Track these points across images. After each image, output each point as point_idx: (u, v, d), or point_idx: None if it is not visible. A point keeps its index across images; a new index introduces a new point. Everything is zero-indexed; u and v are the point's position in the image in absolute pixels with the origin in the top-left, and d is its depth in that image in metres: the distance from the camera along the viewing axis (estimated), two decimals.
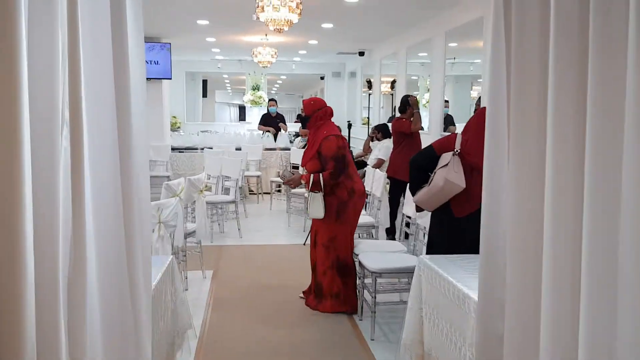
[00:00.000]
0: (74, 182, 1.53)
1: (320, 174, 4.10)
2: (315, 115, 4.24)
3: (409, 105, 6.49)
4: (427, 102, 8.93)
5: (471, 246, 3.10)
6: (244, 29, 8.42)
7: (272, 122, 10.68)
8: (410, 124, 6.32)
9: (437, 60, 7.21)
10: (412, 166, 3.37)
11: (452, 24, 6.65)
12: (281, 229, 7.33)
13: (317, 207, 4.12)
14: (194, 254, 5.03)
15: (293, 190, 7.72)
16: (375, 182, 5.40)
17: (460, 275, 2.52)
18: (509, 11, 1.81)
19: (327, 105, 4.35)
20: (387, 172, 6.14)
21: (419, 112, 6.41)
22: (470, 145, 3.10)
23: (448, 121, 7.10)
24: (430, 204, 3.21)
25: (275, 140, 10.14)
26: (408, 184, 3.51)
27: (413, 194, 3.33)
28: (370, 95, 9.91)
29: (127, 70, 1.85)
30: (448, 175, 3.05)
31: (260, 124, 10.78)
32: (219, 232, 6.90)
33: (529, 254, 1.76)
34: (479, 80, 11.39)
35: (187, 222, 4.89)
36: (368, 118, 9.67)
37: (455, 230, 3.19)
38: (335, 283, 4.17)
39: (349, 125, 6.79)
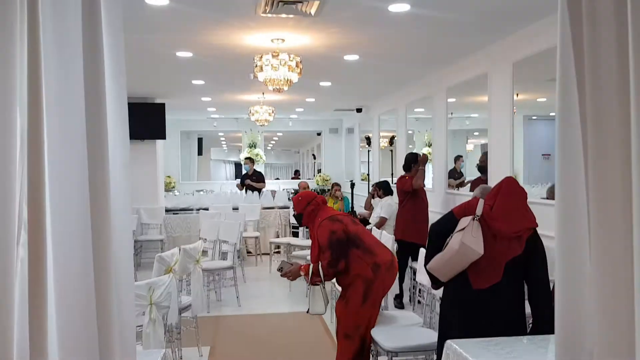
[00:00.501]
0: (33, 273, 1.22)
1: (320, 264, 3.78)
2: (307, 210, 3.98)
3: (414, 163, 6.26)
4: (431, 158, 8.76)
5: (492, 322, 2.83)
6: (241, 88, 8.28)
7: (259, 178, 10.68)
8: (412, 180, 6.10)
9: (439, 116, 7.04)
10: (431, 233, 3.10)
11: (454, 80, 6.51)
12: (282, 295, 6.93)
13: (317, 301, 3.81)
14: (190, 329, 4.64)
15: (295, 253, 7.37)
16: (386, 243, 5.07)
17: None
18: (578, 25, 1.55)
19: (316, 195, 4.09)
20: (394, 234, 5.83)
21: (423, 169, 6.18)
22: (497, 211, 2.84)
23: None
24: (444, 272, 2.89)
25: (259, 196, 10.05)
26: (424, 251, 3.19)
27: (427, 262, 3.02)
28: (369, 152, 9.72)
29: (104, 128, 1.58)
30: (464, 238, 2.76)
31: (240, 182, 10.71)
32: (216, 300, 6.50)
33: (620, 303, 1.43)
34: (475, 133, 11.35)
35: (182, 294, 4.53)
36: (368, 175, 9.45)
37: (472, 305, 2.86)
38: None
39: (352, 185, 6.53)
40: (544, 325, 2.72)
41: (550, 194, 4.73)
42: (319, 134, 14.38)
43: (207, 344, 4.87)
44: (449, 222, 2.96)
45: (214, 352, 4.76)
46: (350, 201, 9.59)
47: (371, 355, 3.81)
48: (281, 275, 3.99)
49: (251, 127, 12.11)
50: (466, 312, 2.88)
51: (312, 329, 5.39)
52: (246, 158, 11.10)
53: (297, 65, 5.03)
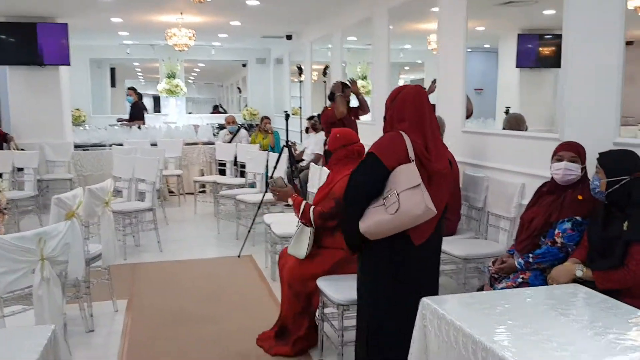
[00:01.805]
0: None
1: (312, 208, 3.23)
2: (340, 152, 3.33)
3: (340, 93, 5.71)
4: (362, 88, 8.23)
5: (430, 277, 2.56)
6: (156, 4, 7.27)
7: (139, 112, 10.09)
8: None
9: (380, 42, 6.43)
10: (357, 188, 2.40)
11: (394, 0, 5.89)
12: (209, 238, 6.33)
13: (300, 243, 3.25)
14: (102, 282, 3.98)
15: (223, 193, 6.74)
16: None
17: (489, 328, 1.73)
18: None
19: (357, 141, 3.39)
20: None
21: (341, 96, 5.62)
22: (433, 149, 2.40)
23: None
24: (383, 233, 2.35)
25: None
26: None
27: (352, 228, 2.39)
28: (301, 83, 9.05)
29: None
30: (428, 201, 2.27)
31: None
32: (134, 245, 5.81)
33: None
34: (405, 68, 10.92)
35: (91, 242, 3.84)
36: (300, 108, 8.82)
37: (414, 262, 2.43)
38: (304, 326, 3.32)
39: (287, 117, 5.91)
40: None
41: (508, 125, 4.34)
42: (244, 65, 13.45)
43: (123, 296, 4.24)
44: (379, 173, 2.36)
45: (132, 304, 4.14)
46: (279, 135, 8.98)
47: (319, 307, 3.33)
48: (269, 188, 3.52)
49: (169, 54, 11.03)
50: (407, 271, 2.44)
51: (244, 274, 4.86)
52: (129, 88, 10.26)
53: None
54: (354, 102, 6.14)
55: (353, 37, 8.19)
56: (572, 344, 1.65)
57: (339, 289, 2.98)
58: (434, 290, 2.55)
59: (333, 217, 3.16)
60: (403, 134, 2.36)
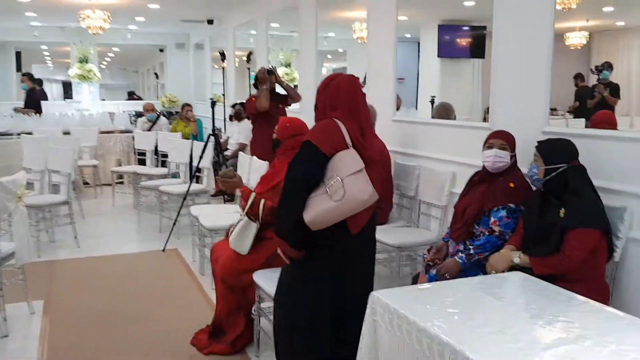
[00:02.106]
0: None
1: (262, 200, 3.08)
2: (289, 142, 3.20)
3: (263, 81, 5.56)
4: (285, 76, 8.11)
5: (367, 266, 2.55)
6: None
7: (35, 100, 9.71)
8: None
9: (307, 30, 6.34)
10: (298, 178, 2.29)
11: None
12: (130, 232, 6.03)
13: (244, 239, 3.10)
14: (15, 282, 3.67)
15: (144, 184, 6.43)
16: (254, 172, 4.44)
17: (443, 321, 1.71)
18: None
19: (306, 131, 3.25)
20: None
21: (264, 89, 5.46)
22: (368, 136, 2.40)
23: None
24: (326, 222, 2.28)
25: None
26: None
27: (295, 222, 2.28)
28: (224, 70, 8.79)
29: None
30: (371, 185, 2.26)
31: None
32: (49, 242, 5.43)
33: None
34: (328, 56, 10.91)
35: (1, 240, 3.52)
36: (223, 95, 8.57)
37: (350, 251, 2.40)
38: (241, 323, 3.19)
39: (213, 104, 5.69)
40: None
41: (437, 114, 4.40)
42: (162, 50, 12.93)
43: (39, 297, 3.94)
44: (317, 160, 2.28)
45: (50, 306, 3.85)
46: (202, 123, 8.69)
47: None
48: (217, 178, 3.33)
49: (81, 38, 10.38)
50: (345, 261, 2.41)
51: (170, 269, 4.65)
52: (23, 74, 9.67)
53: None
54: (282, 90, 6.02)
55: (276, 24, 8.05)
56: (526, 333, 1.66)
57: (276, 283, 2.89)
58: (369, 281, 2.55)
59: None
60: (337, 121, 2.32)
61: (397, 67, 4.62)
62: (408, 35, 6.32)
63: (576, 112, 4.57)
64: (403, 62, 5.02)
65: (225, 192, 6.57)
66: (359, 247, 2.44)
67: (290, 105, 5.80)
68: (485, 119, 4.95)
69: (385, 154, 4.10)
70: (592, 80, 4.82)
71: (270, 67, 5.73)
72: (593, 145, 2.73)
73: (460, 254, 2.84)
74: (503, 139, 2.92)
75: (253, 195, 3.10)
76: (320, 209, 2.24)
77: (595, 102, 4.45)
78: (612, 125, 3.49)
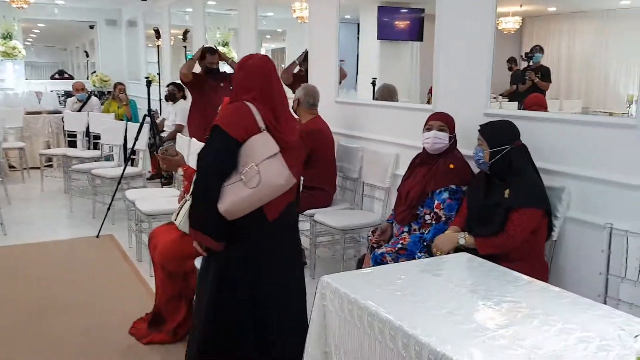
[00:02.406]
0: None
1: None
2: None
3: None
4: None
5: (288, 254, 2.44)
6: None
7: None
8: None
9: (247, 8, 6.19)
10: (211, 166, 2.21)
11: None
12: (62, 218, 5.75)
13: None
14: None
15: (75, 167, 6.13)
16: (194, 155, 4.29)
17: (394, 305, 1.70)
18: None
19: None
20: None
21: (192, 61, 5.41)
22: (282, 120, 2.30)
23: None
24: (246, 210, 2.22)
25: None
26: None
27: (211, 212, 2.19)
28: (159, 48, 8.47)
29: None
30: (288, 169, 2.20)
31: None
32: None
33: None
34: (267, 36, 10.75)
35: None
36: (159, 75, 8.26)
37: (266, 238, 2.33)
38: (182, 310, 3.08)
39: (149, 83, 5.45)
40: None
41: (380, 96, 4.40)
42: (92, 27, 12.30)
43: None
44: (229, 147, 2.20)
45: None
46: (136, 104, 8.37)
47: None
48: (158, 155, 3.11)
49: (3, 13, 9.72)
50: (262, 248, 2.33)
51: (106, 256, 4.46)
52: None
53: None
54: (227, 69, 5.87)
55: (212, 2, 7.81)
56: (476, 314, 1.67)
57: None
58: (291, 268, 2.46)
59: None
60: (249, 104, 2.24)
61: (339, 48, 4.57)
62: (348, 17, 6.28)
63: (511, 96, 4.70)
64: (343, 43, 4.98)
65: (163, 175, 6.39)
66: (277, 233, 2.36)
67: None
68: (427, 101, 5.02)
69: (326, 136, 4.07)
70: (524, 64, 4.95)
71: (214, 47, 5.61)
72: (531, 127, 2.79)
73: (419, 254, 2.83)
74: (442, 121, 2.95)
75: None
76: (235, 198, 2.16)
77: (526, 87, 4.58)
78: (543, 107, 3.60)
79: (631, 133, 2.32)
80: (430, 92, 4.35)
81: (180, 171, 3.06)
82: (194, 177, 2.28)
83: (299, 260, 2.58)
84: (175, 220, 2.80)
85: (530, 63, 4.87)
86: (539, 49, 5.27)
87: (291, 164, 2.25)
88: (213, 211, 2.17)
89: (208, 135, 2.24)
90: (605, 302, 2.18)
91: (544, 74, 4.80)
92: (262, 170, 2.15)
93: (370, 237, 3.17)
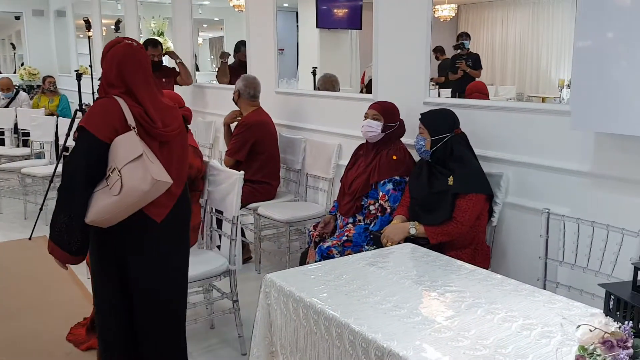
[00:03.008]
0: None
1: None
2: None
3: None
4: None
5: (179, 254, 2.27)
6: None
7: None
8: None
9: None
10: (75, 170, 2.00)
11: None
12: None
13: None
14: None
15: (3, 166, 5.81)
16: None
17: (339, 302, 1.68)
18: None
19: (184, 105, 3.07)
20: None
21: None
22: (153, 113, 2.05)
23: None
24: (117, 218, 2.01)
25: None
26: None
27: (78, 222, 2.00)
28: (90, 39, 8.11)
29: None
30: (154, 172, 1.95)
31: None
32: None
33: None
34: (204, 25, 10.51)
35: None
36: (90, 67, 7.93)
37: (152, 242, 2.14)
38: None
39: (79, 77, 5.21)
40: None
41: (322, 86, 4.36)
42: (17, 18, 11.68)
43: None
44: (95, 149, 1.97)
45: None
46: (68, 98, 8.00)
47: None
48: None
49: None
50: (146, 253, 2.15)
51: (40, 259, 4.21)
52: None
53: None
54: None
55: None
56: (422, 306, 1.67)
57: None
58: (178, 273, 2.29)
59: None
60: (118, 98, 2.00)
61: (277, 37, 4.50)
62: (286, 5, 6.20)
63: (441, 85, 4.74)
64: (282, 32, 4.92)
65: None
66: (167, 235, 2.17)
67: (179, 84, 5.50)
68: (362, 90, 5.01)
69: (269, 128, 4.00)
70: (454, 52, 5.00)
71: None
72: (469, 114, 2.82)
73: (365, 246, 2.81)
74: (376, 109, 2.95)
75: None
76: (100, 206, 1.95)
77: (457, 77, 4.65)
78: (484, 94, 3.67)
79: (565, 119, 2.37)
80: (363, 79, 4.35)
81: None
82: (60, 184, 2.04)
83: (183, 265, 2.34)
84: None
85: (460, 52, 4.93)
86: (465, 35, 5.35)
87: (170, 158, 2.08)
88: (77, 221, 1.98)
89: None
90: (544, 286, 2.24)
91: (474, 60, 4.87)
92: (124, 176, 1.92)
93: (312, 232, 3.14)
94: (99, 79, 6.21)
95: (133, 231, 2.07)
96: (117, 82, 2.03)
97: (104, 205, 1.94)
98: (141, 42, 5.33)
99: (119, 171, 1.92)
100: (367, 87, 4.17)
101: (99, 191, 1.97)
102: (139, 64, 2.07)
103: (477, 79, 4.60)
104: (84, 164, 1.97)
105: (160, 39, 8.03)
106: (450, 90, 4.34)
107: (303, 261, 3.05)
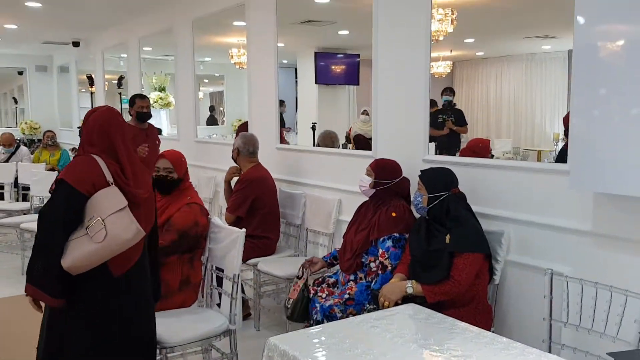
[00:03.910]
0: None
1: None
2: (186, 177, 3.14)
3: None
4: (160, 101, 7.82)
5: (137, 307, 2.32)
6: None
7: None
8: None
9: (184, 54, 6.16)
10: (56, 219, 2.11)
11: (201, 10, 5.68)
12: None
13: None
14: None
15: (2, 220, 5.80)
16: None
17: None
18: None
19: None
20: None
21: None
22: (130, 174, 2.23)
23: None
24: (91, 265, 2.11)
25: None
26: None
27: (53, 268, 2.07)
28: (93, 95, 8.28)
29: None
30: (136, 223, 2.12)
31: None
32: None
33: None
34: (205, 80, 10.72)
35: None
36: None
37: (113, 294, 2.23)
38: None
39: (81, 132, 5.28)
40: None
41: (322, 142, 4.42)
42: (20, 73, 11.92)
43: None
44: (75, 201, 2.11)
45: None
46: (68, 153, 8.08)
47: None
48: None
49: None
50: (108, 306, 2.22)
51: (35, 316, 4.18)
52: None
53: None
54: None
55: (148, 48, 7.74)
56: None
57: (167, 326, 2.68)
58: (145, 324, 2.36)
59: (175, 250, 2.88)
60: (96, 157, 2.18)
61: (278, 93, 4.60)
62: (285, 61, 6.36)
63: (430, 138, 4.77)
64: (281, 87, 5.04)
65: None
66: (125, 291, 2.25)
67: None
68: (345, 145, 5.05)
69: (268, 183, 4.02)
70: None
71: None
72: (468, 172, 2.86)
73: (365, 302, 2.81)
74: (371, 165, 3.04)
75: None
76: (80, 253, 2.06)
77: (443, 133, 4.68)
78: (485, 149, 3.70)
79: (565, 179, 2.41)
80: (349, 135, 4.40)
81: None
82: (37, 232, 2.15)
83: (146, 323, 2.40)
84: None
85: (439, 107, 4.96)
86: (449, 91, 5.42)
87: (141, 219, 2.19)
88: (55, 267, 2.06)
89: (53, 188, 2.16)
90: (550, 349, 2.21)
91: (458, 117, 4.88)
92: (108, 224, 2.07)
93: (301, 274, 3.15)
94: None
95: (89, 282, 2.16)
96: (99, 141, 2.20)
97: (84, 252, 2.06)
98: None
99: (103, 220, 2.07)
100: (356, 143, 4.23)
101: (76, 239, 2.08)
102: (120, 125, 2.28)
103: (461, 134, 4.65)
104: (62, 215, 2.10)
105: (162, 94, 8.20)
106: (434, 144, 4.38)
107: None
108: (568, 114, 3.18)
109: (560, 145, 4.35)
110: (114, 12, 6.81)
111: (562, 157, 2.78)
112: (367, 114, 4.65)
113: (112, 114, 2.28)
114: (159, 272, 2.57)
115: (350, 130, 4.56)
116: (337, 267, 3.18)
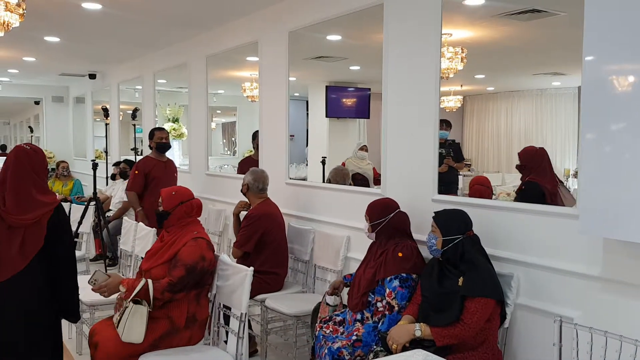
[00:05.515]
0: None
1: (150, 281, 2.86)
2: (179, 210, 3.10)
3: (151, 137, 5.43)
4: (173, 131, 7.91)
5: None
6: None
7: None
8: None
9: (198, 88, 6.26)
10: None
11: (215, 47, 5.79)
12: None
13: (136, 327, 2.78)
14: None
15: None
16: (140, 240, 4.16)
17: None
18: None
19: (193, 197, 3.21)
20: None
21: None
22: (11, 205, 2.51)
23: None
24: None
25: None
26: None
27: None
28: (107, 126, 8.38)
29: None
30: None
31: None
32: None
33: None
34: (218, 111, 10.84)
35: None
36: (106, 152, 8.14)
37: None
38: None
39: (95, 166, 5.35)
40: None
41: (333, 179, 4.42)
42: (37, 103, 12.14)
43: None
44: None
45: None
46: (81, 183, 8.17)
47: None
48: (93, 289, 2.92)
49: None
50: None
51: None
52: None
53: (19, 5, 3.74)
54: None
55: (163, 80, 7.89)
56: None
57: None
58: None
59: (183, 287, 2.88)
60: None
61: (289, 129, 4.65)
62: (296, 94, 6.44)
63: None
64: (292, 119, 5.09)
65: (107, 255, 6.16)
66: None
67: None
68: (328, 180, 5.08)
69: (276, 219, 4.01)
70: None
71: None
72: (476, 213, 2.85)
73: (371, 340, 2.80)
74: (366, 211, 3.11)
75: (144, 281, 2.88)
76: None
77: (441, 171, 4.65)
78: (487, 187, 3.69)
79: (573, 222, 2.39)
80: (329, 176, 4.40)
81: (122, 288, 2.93)
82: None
83: None
84: (117, 328, 2.73)
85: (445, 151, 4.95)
86: (445, 125, 5.39)
87: (25, 241, 2.48)
88: None
89: None
90: None
91: (455, 151, 4.85)
92: None
93: (317, 324, 3.14)
94: (117, 164, 6.38)
95: None
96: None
97: None
98: (156, 125, 5.50)
99: None
100: (355, 182, 4.25)
101: None
102: (15, 163, 2.56)
103: (480, 174, 4.64)
104: None
105: (175, 125, 8.31)
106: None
107: (314, 317, 3.18)
108: (525, 148, 3.27)
109: (571, 180, 4.31)
110: (131, 47, 6.96)
111: (523, 196, 2.81)
112: (366, 150, 4.69)
113: (17, 155, 2.57)
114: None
115: (343, 164, 4.59)
116: (345, 303, 3.19)
